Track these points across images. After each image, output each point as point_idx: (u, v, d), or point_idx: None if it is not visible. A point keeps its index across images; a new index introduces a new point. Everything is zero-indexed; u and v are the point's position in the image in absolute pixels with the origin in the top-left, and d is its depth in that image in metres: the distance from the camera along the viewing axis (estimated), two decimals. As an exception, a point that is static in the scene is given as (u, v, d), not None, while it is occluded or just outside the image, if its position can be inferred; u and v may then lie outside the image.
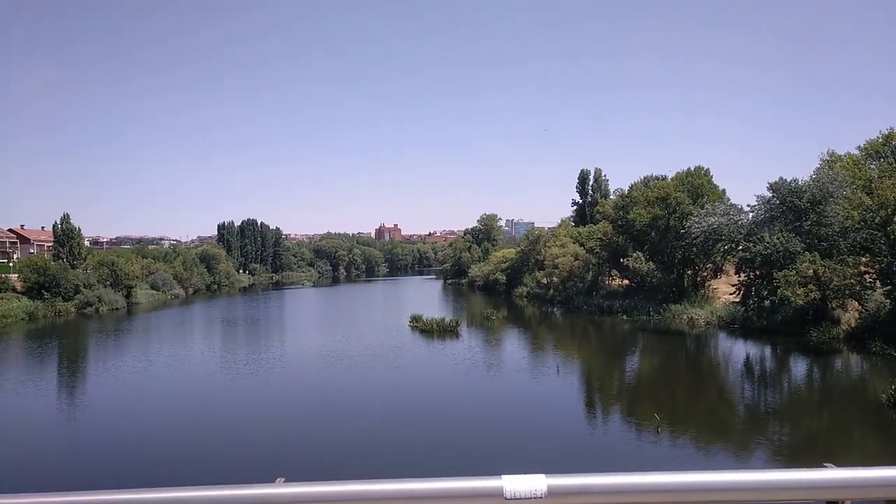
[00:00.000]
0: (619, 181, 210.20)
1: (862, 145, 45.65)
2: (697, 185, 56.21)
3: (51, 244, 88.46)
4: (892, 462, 1.91)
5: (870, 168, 43.35)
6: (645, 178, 66.23)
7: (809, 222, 40.70)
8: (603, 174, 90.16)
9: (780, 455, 18.41)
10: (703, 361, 36.79)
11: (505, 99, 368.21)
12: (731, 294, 46.10)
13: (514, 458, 17.28)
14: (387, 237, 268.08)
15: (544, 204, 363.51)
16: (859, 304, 36.20)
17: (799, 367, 33.31)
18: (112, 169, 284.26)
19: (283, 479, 1.86)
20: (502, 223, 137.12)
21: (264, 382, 30.18)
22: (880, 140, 44.81)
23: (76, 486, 1.87)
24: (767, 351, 37.09)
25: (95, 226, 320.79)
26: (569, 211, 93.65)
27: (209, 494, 1.81)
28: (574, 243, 71.05)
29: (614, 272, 64.46)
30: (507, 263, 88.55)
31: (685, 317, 47.45)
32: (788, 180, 42.67)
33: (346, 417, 23.29)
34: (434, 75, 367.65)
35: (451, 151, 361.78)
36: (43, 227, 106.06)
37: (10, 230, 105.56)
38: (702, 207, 50.17)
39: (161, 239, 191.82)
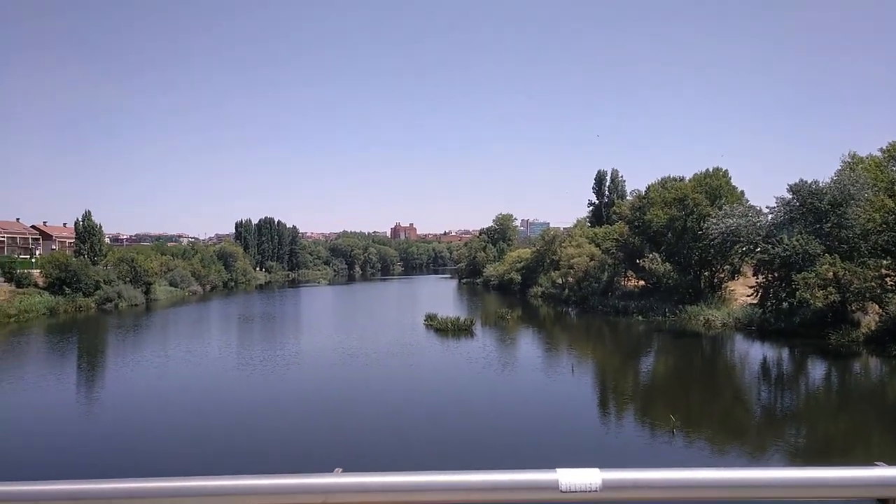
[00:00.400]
0: (636, 182, 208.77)
1: (884, 147, 44.94)
2: (715, 187, 55.70)
3: (72, 241, 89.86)
4: None
5: (892, 170, 42.66)
6: (662, 179, 65.75)
7: (830, 224, 40.21)
8: (620, 175, 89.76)
9: (798, 459, 18.26)
10: (719, 363, 36.52)
11: (521, 99, 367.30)
12: (748, 296, 45.67)
13: (527, 455, 17.33)
14: (402, 236, 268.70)
15: (560, 204, 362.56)
16: (880, 307, 35.73)
17: (817, 369, 32.96)
18: (132, 166, 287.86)
19: (340, 470, 1.94)
20: (517, 223, 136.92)
21: (281, 379, 30.47)
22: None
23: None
24: (785, 353, 36.73)
25: (116, 223, 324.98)
26: (584, 211, 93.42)
27: (270, 483, 1.89)
28: (590, 244, 70.78)
29: (630, 273, 64.11)
30: (522, 263, 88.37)
31: (701, 318, 47.10)
32: (809, 182, 42.21)
33: (368, 413, 23.46)
34: (451, 75, 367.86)
35: (467, 151, 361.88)
36: (65, 224, 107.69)
37: (32, 227, 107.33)
38: (720, 209, 49.72)
39: (179, 236, 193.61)
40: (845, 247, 38.83)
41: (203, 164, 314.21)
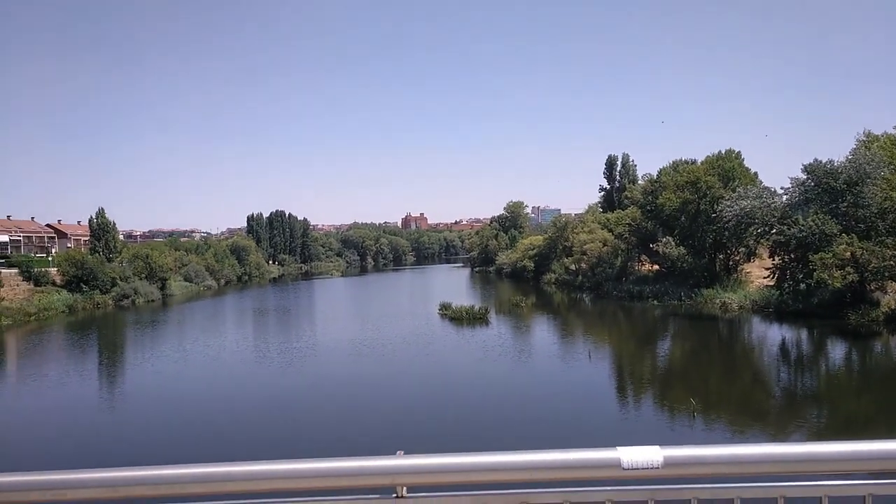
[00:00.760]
0: (648, 166, 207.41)
1: (900, 124, 44.38)
2: (728, 169, 55.21)
3: (87, 238, 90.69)
4: None
5: (909, 147, 42.13)
6: (674, 162, 65.28)
7: (846, 204, 39.81)
8: (631, 159, 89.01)
9: (820, 439, 18.20)
10: (736, 346, 36.40)
11: (531, 85, 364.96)
12: (764, 278, 45.40)
13: (551, 439, 17.41)
14: (413, 226, 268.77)
15: (570, 190, 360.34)
16: (899, 285, 35.42)
17: (837, 350, 32.76)
18: (143, 163, 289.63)
19: (402, 452, 1.98)
20: (528, 210, 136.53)
21: (300, 370, 30.73)
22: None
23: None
24: (804, 334, 36.53)
25: (129, 219, 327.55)
26: (596, 197, 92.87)
27: (336, 466, 1.94)
28: (602, 229, 70.50)
29: (644, 257, 63.87)
30: (534, 250, 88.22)
31: (717, 301, 46.90)
32: (824, 162, 41.77)
33: (397, 401, 23.64)
34: (458, 62, 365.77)
35: (476, 139, 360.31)
36: (79, 222, 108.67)
37: (47, 225, 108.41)
38: (733, 191, 49.34)
39: (192, 231, 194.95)
40: (862, 226, 38.45)
41: (213, 158, 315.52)
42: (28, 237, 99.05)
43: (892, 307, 34.73)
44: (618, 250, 65.31)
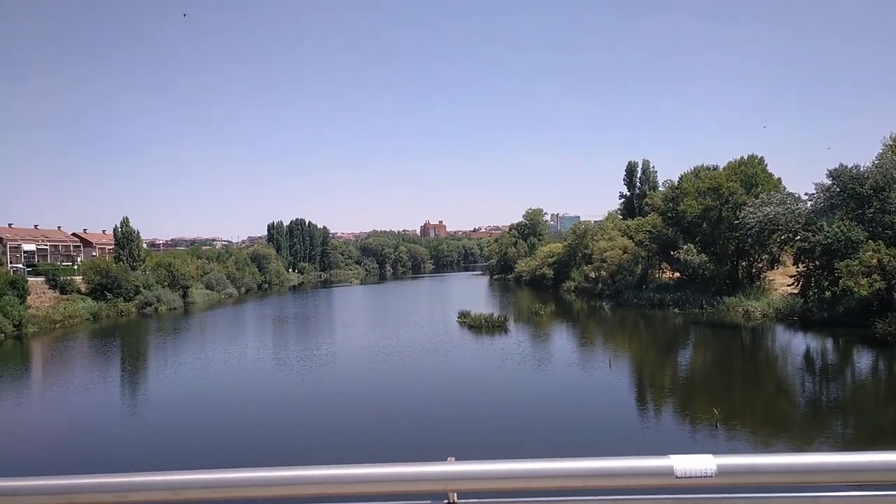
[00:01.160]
0: (668, 172, 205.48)
1: (928, 128, 43.47)
2: (751, 175, 54.52)
3: (112, 247, 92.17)
4: None
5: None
6: (695, 168, 64.65)
7: (872, 210, 39.06)
8: (651, 165, 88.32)
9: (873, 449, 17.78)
10: (760, 354, 35.81)
11: (550, 92, 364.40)
12: (788, 285, 44.67)
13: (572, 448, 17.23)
14: (432, 234, 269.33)
15: (590, 198, 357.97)
16: (928, 293, 34.61)
17: (863, 359, 32.09)
18: (165, 172, 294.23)
19: (453, 458, 1.98)
20: (548, 218, 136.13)
21: (320, 378, 30.86)
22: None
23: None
24: (829, 343, 35.85)
25: (152, 228, 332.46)
26: (616, 204, 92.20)
27: (389, 471, 1.95)
28: (622, 236, 70.01)
29: (664, 265, 63.23)
30: (553, 258, 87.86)
31: (740, 309, 46.24)
32: (849, 167, 41.06)
33: (414, 408, 23.63)
34: (478, 70, 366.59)
35: (495, 147, 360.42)
36: (104, 231, 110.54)
37: (73, 234, 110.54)
38: (756, 197, 48.68)
39: (213, 240, 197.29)
40: (889, 232, 37.70)
41: (234, 167, 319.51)
42: (55, 246, 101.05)
43: (921, 315, 33.91)
44: (638, 258, 64.76)
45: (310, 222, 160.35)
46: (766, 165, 56.88)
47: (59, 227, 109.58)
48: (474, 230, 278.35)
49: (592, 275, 72.70)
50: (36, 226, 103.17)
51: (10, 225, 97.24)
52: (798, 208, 44.19)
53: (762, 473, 1.88)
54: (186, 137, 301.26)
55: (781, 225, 43.84)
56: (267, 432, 21.43)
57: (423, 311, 64.17)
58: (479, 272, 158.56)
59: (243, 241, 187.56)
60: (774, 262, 52.69)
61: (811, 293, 40.70)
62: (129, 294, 70.10)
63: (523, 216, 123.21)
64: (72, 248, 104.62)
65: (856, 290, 35.79)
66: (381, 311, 70.25)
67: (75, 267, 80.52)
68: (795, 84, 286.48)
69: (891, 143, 44.11)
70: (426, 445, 18.76)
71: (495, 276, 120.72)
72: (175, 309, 72.94)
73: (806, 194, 45.36)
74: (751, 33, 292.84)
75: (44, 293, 63.41)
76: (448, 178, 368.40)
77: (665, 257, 60.91)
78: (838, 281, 36.80)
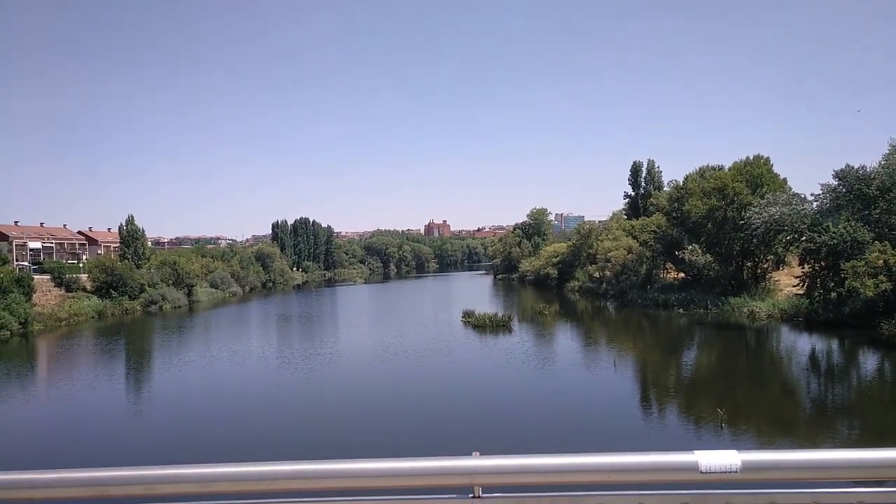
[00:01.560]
0: (673, 172, 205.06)
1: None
2: (757, 175, 54.38)
3: (117, 245, 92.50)
4: None
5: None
6: (700, 168, 64.48)
7: (879, 210, 38.96)
8: (656, 166, 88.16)
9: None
10: (765, 355, 35.72)
11: (555, 91, 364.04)
12: (794, 286, 44.57)
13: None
14: (436, 233, 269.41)
15: (595, 197, 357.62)
16: (935, 295, 34.45)
17: (869, 361, 31.96)
18: (170, 171, 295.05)
19: (478, 453, 2.00)
20: (552, 217, 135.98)
21: (324, 376, 30.88)
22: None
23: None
24: (835, 344, 35.73)
25: (157, 227, 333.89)
26: (620, 204, 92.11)
27: (415, 465, 1.96)
28: (627, 236, 69.91)
29: (669, 265, 63.11)
30: (558, 258, 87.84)
31: (745, 310, 46.13)
32: (856, 167, 40.93)
33: (419, 407, 23.66)
34: (481, 69, 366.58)
35: (498, 146, 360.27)
36: (109, 229, 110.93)
37: (79, 232, 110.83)
38: (762, 197, 48.57)
39: (218, 238, 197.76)
40: (896, 233, 37.58)
41: (238, 166, 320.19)
42: (60, 244, 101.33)
43: (928, 317, 33.77)
44: (643, 258, 64.67)
45: (314, 221, 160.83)
46: (772, 166, 56.72)
47: (64, 225, 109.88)
48: (478, 230, 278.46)
49: (597, 275, 72.64)
50: (42, 223, 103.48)
51: (15, 223, 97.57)
52: (804, 209, 44.08)
53: (787, 469, 1.89)
54: (191, 136, 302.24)
55: (787, 225, 43.72)
56: (273, 430, 21.47)
57: (427, 311, 64.20)
58: (483, 272, 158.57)
59: (248, 240, 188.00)
60: (780, 263, 52.53)
61: (817, 294, 40.58)
62: (134, 292, 70.34)
63: (527, 216, 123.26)
64: (77, 246, 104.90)
65: (862, 291, 35.66)
66: (385, 311, 70.31)
67: (81, 265, 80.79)
68: (802, 84, 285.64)
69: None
70: (434, 443, 18.77)
71: (499, 276, 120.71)
72: (180, 307, 73.17)
73: (812, 195, 45.33)
74: (757, 33, 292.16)
75: (49, 291, 63.66)
76: (452, 177, 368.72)
77: (670, 257, 60.80)
78: (844, 282, 36.68)
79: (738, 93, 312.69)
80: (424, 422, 22.06)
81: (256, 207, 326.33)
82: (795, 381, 28.82)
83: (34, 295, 57.66)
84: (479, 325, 45.97)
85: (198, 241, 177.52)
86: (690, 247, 54.32)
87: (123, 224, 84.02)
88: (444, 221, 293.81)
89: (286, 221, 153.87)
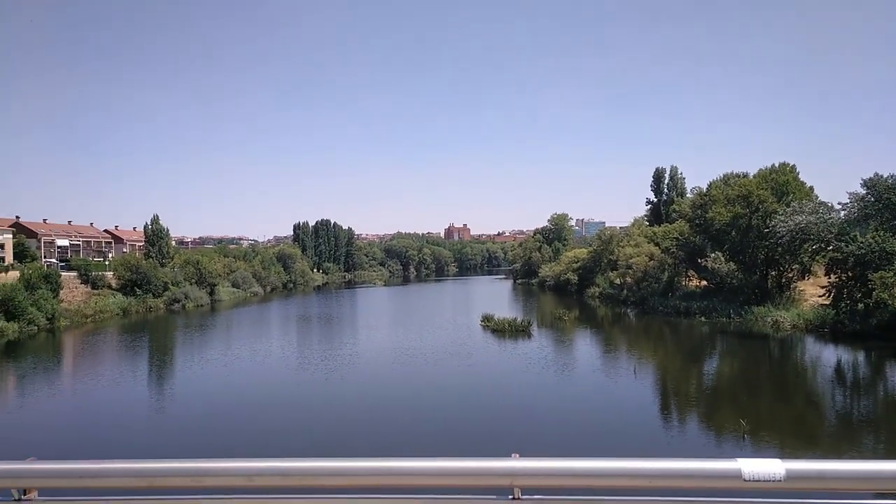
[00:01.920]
0: (696, 179, 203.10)
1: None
2: (782, 183, 53.60)
3: (142, 244, 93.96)
4: None
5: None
6: (725, 175, 63.80)
7: (908, 220, 38.18)
8: (679, 172, 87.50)
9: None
10: (788, 366, 35.14)
11: (577, 97, 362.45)
12: (819, 296, 43.81)
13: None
14: (456, 237, 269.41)
15: (616, 203, 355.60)
16: (966, 308, 33.65)
17: (897, 374, 31.28)
18: (195, 172, 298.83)
19: (517, 454, 2.03)
20: (573, 223, 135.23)
21: (343, 377, 31.02)
22: None
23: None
24: (861, 357, 35.03)
25: (180, 226, 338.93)
26: (641, 210, 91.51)
27: (456, 465, 2.00)
28: (649, 243, 69.30)
29: (691, 273, 62.45)
30: (578, 263, 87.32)
31: (769, 319, 45.43)
32: (885, 176, 40.17)
33: (437, 410, 23.69)
34: (502, 74, 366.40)
35: (520, 151, 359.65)
36: (135, 228, 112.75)
37: (105, 231, 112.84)
38: (787, 205, 47.85)
39: (240, 239, 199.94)
40: (926, 244, 36.78)
41: (261, 168, 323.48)
42: (87, 242, 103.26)
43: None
44: (664, 265, 64.04)
45: (335, 223, 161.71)
46: (798, 174, 55.88)
47: (91, 224, 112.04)
48: (498, 234, 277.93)
49: (617, 281, 72.09)
50: (69, 222, 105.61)
51: (44, 221, 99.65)
52: (831, 218, 43.35)
53: (832, 479, 1.86)
54: (216, 138, 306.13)
55: (813, 234, 43.02)
56: (290, 428, 21.64)
57: (446, 314, 64.18)
58: (503, 276, 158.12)
59: (269, 241, 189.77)
60: (805, 273, 51.69)
61: (843, 305, 39.86)
62: (158, 290, 71.37)
63: (548, 221, 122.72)
64: (103, 244, 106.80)
65: (890, 302, 35.00)
66: (404, 313, 70.41)
67: (107, 263, 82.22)
68: (829, 92, 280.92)
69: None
70: (452, 445, 18.75)
71: (519, 281, 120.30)
72: (202, 306, 74.05)
73: (839, 203, 44.60)
74: (782, 40, 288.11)
75: (76, 288, 64.85)
76: (473, 181, 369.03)
77: (692, 265, 60.14)
78: (872, 293, 36.01)
79: (763, 100, 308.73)
80: (442, 424, 22.07)
81: (278, 209, 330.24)
82: (820, 392, 28.30)
83: (61, 291, 58.76)
84: (499, 329, 45.87)
85: (220, 241, 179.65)
86: (713, 254, 53.69)
87: (148, 223, 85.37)
88: (465, 225, 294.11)
89: (307, 223, 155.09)
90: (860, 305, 38.73)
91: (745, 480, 1.84)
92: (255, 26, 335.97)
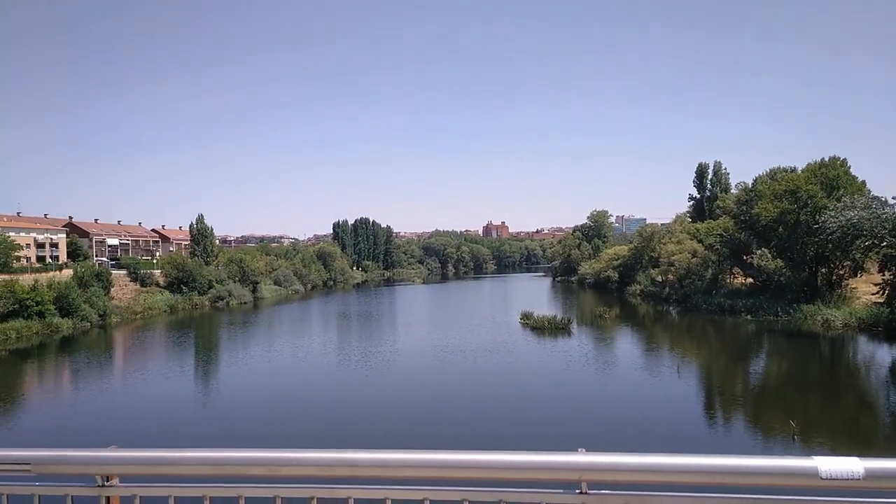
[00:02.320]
0: (741, 174, 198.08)
1: None
2: (832, 177, 51.73)
3: (187, 243, 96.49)
4: None
5: None
6: (771, 170, 62.07)
7: (969, 215, 36.50)
8: (723, 167, 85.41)
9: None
10: (840, 366, 34.01)
11: (615, 92, 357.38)
12: (873, 294, 42.30)
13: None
14: (494, 234, 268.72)
15: (656, 199, 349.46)
16: None
17: (957, 375, 29.95)
18: (238, 172, 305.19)
19: (583, 449, 2.06)
20: (612, 219, 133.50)
21: (385, 373, 31.33)
22: None
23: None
24: (917, 356, 33.69)
25: (224, 225, 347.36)
26: (684, 206, 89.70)
27: (527, 459, 2.03)
28: (691, 240, 67.92)
29: (736, 270, 60.97)
30: (619, 261, 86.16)
31: (819, 318, 44.06)
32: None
33: (477, 405, 23.75)
34: (544, 70, 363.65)
35: (559, 147, 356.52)
36: (180, 227, 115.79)
37: (153, 230, 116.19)
38: (838, 200, 46.21)
39: (281, 237, 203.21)
40: None
41: (302, 168, 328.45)
42: (136, 241, 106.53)
43: None
44: (708, 262, 62.65)
45: (374, 221, 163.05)
46: (849, 167, 53.89)
47: (139, 223, 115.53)
48: (537, 231, 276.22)
49: (659, 279, 70.89)
50: (119, 221, 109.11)
51: (95, 220, 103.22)
52: (885, 213, 41.69)
53: None
54: (260, 141, 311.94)
55: (866, 230, 41.45)
56: (345, 423, 21.96)
57: (485, 312, 64.13)
58: (542, 274, 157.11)
59: (310, 239, 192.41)
60: (858, 270, 49.85)
61: (898, 303, 38.36)
62: (203, 288, 73.21)
63: (588, 217, 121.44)
64: (151, 244, 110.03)
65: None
66: (443, 311, 70.61)
67: (154, 261, 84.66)
68: (882, 83, 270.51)
69: None
70: (493, 441, 18.75)
71: (558, 278, 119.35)
72: (245, 303, 75.67)
73: (893, 198, 42.86)
74: (833, 30, 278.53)
75: (126, 285, 67.03)
76: (511, 178, 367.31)
77: (737, 262, 58.71)
78: (929, 290, 34.56)
79: (814, 92, 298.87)
80: (482, 420, 22.05)
81: (319, 207, 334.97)
82: (874, 393, 27.33)
83: (112, 289, 60.78)
84: (538, 327, 45.64)
85: (262, 239, 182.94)
86: (760, 251, 52.32)
87: (194, 223, 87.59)
88: (503, 223, 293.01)
89: (347, 221, 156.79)
90: (917, 303, 37.23)
91: (822, 479, 1.79)
92: (295, 25, 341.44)
